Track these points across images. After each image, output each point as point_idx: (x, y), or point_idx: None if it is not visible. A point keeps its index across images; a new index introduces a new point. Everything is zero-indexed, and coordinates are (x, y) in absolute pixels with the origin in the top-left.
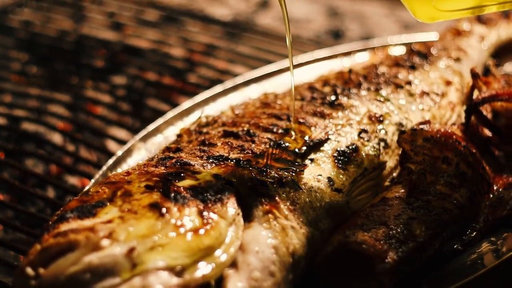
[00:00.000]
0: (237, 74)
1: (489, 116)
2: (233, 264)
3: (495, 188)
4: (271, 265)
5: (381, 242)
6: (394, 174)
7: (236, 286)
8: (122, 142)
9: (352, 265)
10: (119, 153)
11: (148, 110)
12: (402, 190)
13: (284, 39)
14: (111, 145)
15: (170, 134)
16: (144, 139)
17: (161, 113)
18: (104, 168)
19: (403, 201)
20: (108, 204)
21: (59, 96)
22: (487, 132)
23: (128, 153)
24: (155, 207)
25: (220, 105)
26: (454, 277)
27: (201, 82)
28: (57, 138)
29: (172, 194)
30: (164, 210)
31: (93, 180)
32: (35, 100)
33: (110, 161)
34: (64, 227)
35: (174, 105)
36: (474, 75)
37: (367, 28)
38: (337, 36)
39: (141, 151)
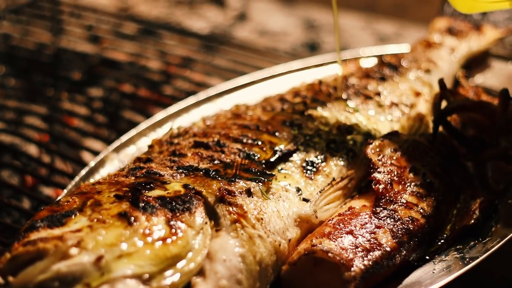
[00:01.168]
0: (213, 86)
1: (458, 126)
2: (201, 272)
3: (462, 197)
4: (238, 273)
5: (347, 250)
6: (363, 184)
7: None
8: (97, 153)
9: (319, 274)
10: (92, 163)
11: (124, 122)
12: (370, 200)
13: (259, 51)
14: (87, 156)
15: (143, 145)
16: (117, 150)
17: (136, 125)
18: (77, 178)
19: (370, 211)
20: (78, 213)
21: (36, 108)
22: (455, 143)
23: (101, 163)
24: (123, 216)
25: (193, 116)
26: (421, 286)
27: (176, 94)
28: (33, 149)
29: (141, 204)
30: (132, 219)
31: (65, 191)
32: (12, 112)
33: (83, 172)
34: (33, 236)
35: (150, 117)
36: (442, 86)
37: (343, 40)
38: (313, 48)
39: (114, 162)
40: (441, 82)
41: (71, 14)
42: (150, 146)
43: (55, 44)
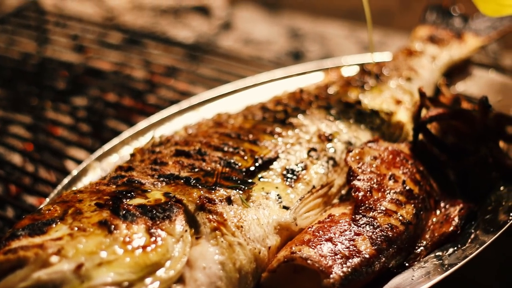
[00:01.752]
0: (196, 95)
1: (437, 134)
2: (181, 279)
3: (442, 205)
4: (218, 280)
5: (327, 257)
6: (343, 192)
7: None
8: (81, 162)
9: (299, 281)
10: (75, 172)
11: (108, 131)
12: (349, 207)
13: (243, 60)
14: (71, 165)
15: (125, 154)
16: (100, 158)
17: (120, 134)
18: (59, 187)
19: (349, 218)
20: (59, 222)
21: (20, 117)
22: (436, 150)
23: (83, 172)
24: (104, 225)
25: (176, 125)
26: None
27: (160, 103)
28: (16, 158)
29: (121, 212)
30: (112, 227)
31: (48, 199)
32: None
33: (66, 180)
34: (14, 244)
35: (134, 125)
36: (421, 94)
37: (327, 49)
38: (297, 57)
39: (96, 171)
40: (420, 90)
41: (56, 24)
42: (132, 155)
43: (40, 54)
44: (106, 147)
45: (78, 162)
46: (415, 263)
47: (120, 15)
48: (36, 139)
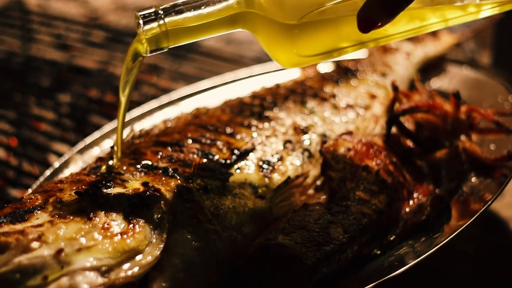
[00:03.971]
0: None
1: (411, 127)
2: (158, 265)
3: (415, 195)
4: (194, 266)
5: (300, 244)
6: (318, 183)
7: (161, 286)
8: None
9: (274, 268)
10: (57, 164)
11: (90, 127)
12: (324, 197)
13: (225, 59)
14: (54, 159)
15: (106, 147)
16: (82, 151)
17: None
18: (42, 179)
19: (323, 207)
20: (39, 210)
21: (4, 113)
22: (409, 143)
23: (65, 164)
24: (83, 212)
25: (156, 119)
26: (371, 278)
27: (143, 99)
28: (1, 153)
29: (101, 200)
30: (91, 214)
31: (30, 190)
32: None
33: (48, 172)
34: None
35: (115, 120)
36: (394, 88)
37: None
38: None
39: (78, 163)
40: (393, 84)
41: (41, 23)
42: (112, 147)
43: (25, 52)
44: (88, 140)
45: (61, 156)
46: (388, 250)
47: (103, 15)
48: (20, 134)
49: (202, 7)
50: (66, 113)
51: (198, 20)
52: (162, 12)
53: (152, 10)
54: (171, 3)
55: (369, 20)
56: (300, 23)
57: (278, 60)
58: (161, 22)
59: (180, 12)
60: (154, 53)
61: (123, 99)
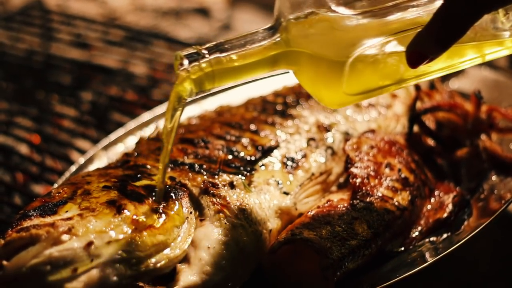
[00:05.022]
0: None
1: (432, 126)
2: (186, 258)
3: (436, 193)
4: (221, 260)
5: (325, 239)
6: (341, 180)
7: (188, 279)
8: (86, 152)
9: (299, 263)
10: (82, 160)
11: (112, 124)
12: (347, 193)
13: None
14: (76, 156)
15: (130, 144)
16: (106, 148)
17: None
18: (68, 174)
19: (347, 203)
20: (68, 202)
21: (27, 110)
22: (430, 142)
23: (90, 161)
24: (112, 205)
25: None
26: (396, 274)
27: (163, 98)
28: (24, 149)
29: (129, 193)
30: (121, 207)
31: (56, 185)
32: (3, 114)
33: (73, 168)
34: (26, 223)
35: (138, 117)
36: (417, 87)
37: None
38: None
39: (102, 159)
40: (416, 84)
41: (61, 22)
42: (138, 143)
43: (46, 51)
44: (112, 137)
45: (83, 152)
46: (410, 247)
47: (122, 16)
48: (43, 130)
49: (247, 46)
50: (88, 110)
51: (242, 61)
52: (206, 52)
53: (195, 50)
54: (214, 43)
55: (420, 54)
56: (352, 60)
57: (321, 99)
58: (206, 63)
59: (224, 51)
60: (198, 95)
61: (167, 145)
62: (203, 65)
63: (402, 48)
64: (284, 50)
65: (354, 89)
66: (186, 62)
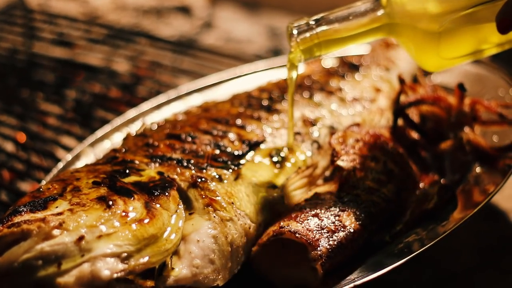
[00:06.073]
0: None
1: (416, 119)
2: (176, 252)
3: (421, 185)
4: (211, 253)
5: (314, 231)
6: (327, 173)
7: (178, 272)
8: (71, 150)
9: (287, 255)
10: (69, 157)
11: (96, 121)
12: (334, 186)
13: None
14: (61, 153)
15: (117, 140)
16: (93, 144)
17: (109, 123)
18: (55, 171)
19: (334, 196)
20: (58, 198)
21: (11, 109)
22: (414, 135)
23: (77, 157)
24: (102, 200)
25: (164, 113)
26: (383, 265)
27: (146, 95)
28: (10, 147)
29: (118, 188)
30: (110, 202)
31: (44, 182)
32: None
33: (61, 165)
34: (17, 219)
35: (121, 115)
36: (401, 80)
37: None
38: (277, 54)
39: (89, 156)
40: (400, 77)
41: (43, 21)
42: (125, 139)
43: (29, 50)
44: (99, 133)
45: (68, 149)
46: (397, 238)
47: (103, 14)
48: (28, 128)
49: (350, 18)
50: (72, 108)
51: (347, 32)
52: (313, 23)
53: (304, 21)
54: (321, 15)
55: (507, 22)
56: (443, 29)
57: (423, 64)
58: (314, 32)
59: (331, 23)
60: (307, 61)
61: (291, 108)
62: (311, 36)
63: (491, 16)
64: (386, 22)
65: (450, 54)
66: (295, 32)
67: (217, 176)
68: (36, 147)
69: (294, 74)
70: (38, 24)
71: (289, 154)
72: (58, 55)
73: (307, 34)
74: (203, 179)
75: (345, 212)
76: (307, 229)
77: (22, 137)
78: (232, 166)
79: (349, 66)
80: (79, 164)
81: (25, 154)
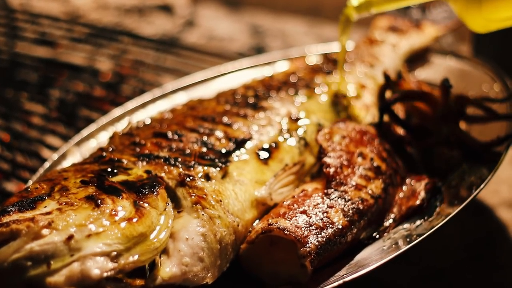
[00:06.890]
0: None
1: (402, 115)
2: (165, 250)
3: (408, 181)
4: (200, 251)
5: (302, 228)
6: (314, 170)
7: (168, 271)
8: (56, 149)
9: (276, 252)
10: (55, 157)
11: (81, 120)
12: (321, 183)
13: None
14: (47, 152)
15: (103, 139)
16: (78, 144)
17: (93, 122)
18: (42, 171)
19: (321, 192)
20: (47, 198)
21: None
22: (400, 131)
23: (63, 157)
24: (91, 199)
25: (150, 112)
26: (371, 261)
27: (130, 93)
28: None
29: (106, 187)
30: (99, 201)
31: (31, 182)
32: None
33: (47, 164)
34: (5, 219)
35: (105, 114)
36: (386, 77)
37: (287, 44)
38: (259, 52)
39: (75, 155)
40: (385, 73)
41: (25, 21)
42: (111, 137)
43: (11, 49)
44: (84, 132)
45: (54, 149)
46: (385, 234)
47: (85, 14)
48: (12, 128)
49: None
50: (56, 107)
51: None
52: None
53: None
54: None
55: None
56: None
57: (469, 24)
58: None
59: None
60: (360, 16)
61: (342, 45)
62: None
63: None
64: None
65: (492, 15)
66: None
67: (204, 174)
68: (21, 147)
69: (348, 29)
70: (20, 24)
71: (276, 151)
72: (41, 55)
73: None
74: (191, 177)
75: (333, 208)
76: (296, 226)
77: (6, 137)
78: (220, 164)
79: (333, 62)
80: (66, 163)
81: (10, 154)
